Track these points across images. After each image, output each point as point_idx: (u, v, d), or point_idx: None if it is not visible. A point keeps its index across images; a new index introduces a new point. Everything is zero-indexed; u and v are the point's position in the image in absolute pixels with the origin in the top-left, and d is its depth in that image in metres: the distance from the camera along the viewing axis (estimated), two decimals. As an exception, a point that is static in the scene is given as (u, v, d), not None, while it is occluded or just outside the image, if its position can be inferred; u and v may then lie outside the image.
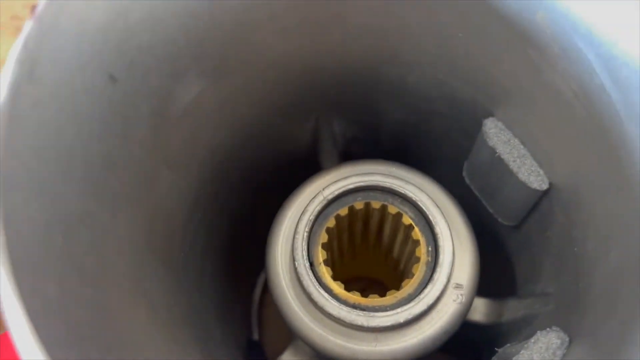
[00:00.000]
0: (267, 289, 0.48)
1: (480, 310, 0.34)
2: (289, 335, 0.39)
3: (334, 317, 0.29)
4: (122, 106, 0.21)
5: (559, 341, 0.25)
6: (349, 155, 0.38)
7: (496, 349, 0.30)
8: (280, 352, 0.35)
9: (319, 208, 0.31)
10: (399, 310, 0.29)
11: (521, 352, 0.26)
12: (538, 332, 0.26)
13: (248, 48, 0.27)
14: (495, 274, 0.34)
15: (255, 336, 0.45)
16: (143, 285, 0.22)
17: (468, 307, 0.30)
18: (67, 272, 0.17)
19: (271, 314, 0.47)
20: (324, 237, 0.31)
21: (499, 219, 0.34)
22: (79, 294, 0.17)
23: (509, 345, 0.29)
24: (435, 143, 0.38)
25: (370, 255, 0.38)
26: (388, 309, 0.29)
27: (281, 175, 0.37)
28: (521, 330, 0.32)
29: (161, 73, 0.23)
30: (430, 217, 0.30)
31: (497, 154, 0.30)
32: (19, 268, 0.15)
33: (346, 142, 0.39)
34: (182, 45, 0.24)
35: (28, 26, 0.18)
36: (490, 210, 0.34)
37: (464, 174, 0.35)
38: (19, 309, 0.14)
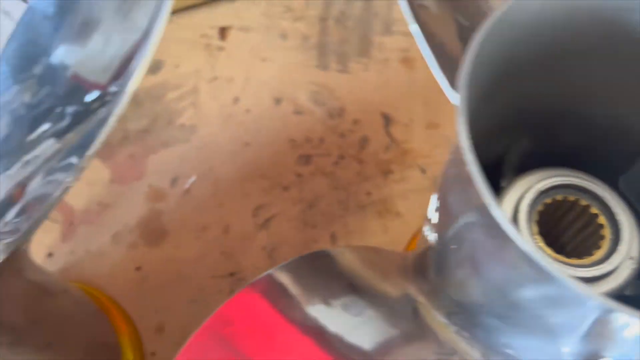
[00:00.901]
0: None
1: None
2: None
3: (549, 269, 0.42)
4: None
5: None
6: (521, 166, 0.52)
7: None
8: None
9: (534, 196, 0.44)
10: (593, 268, 0.42)
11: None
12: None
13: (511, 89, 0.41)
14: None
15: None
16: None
17: (636, 273, 0.43)
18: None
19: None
20: (536, 217, 0.44)
21: (649, 220, 0.47)
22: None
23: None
24: (595, 160, 0.51)
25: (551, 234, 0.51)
26: (586, 266, 0.42)
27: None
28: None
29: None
30: (612, 208, 0.44)
31: (658, 169, 0.44)
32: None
33: (525, 156, 0.52)
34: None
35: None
36: (643, 213, 0.47)
37: (620, 184, 0.48)
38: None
